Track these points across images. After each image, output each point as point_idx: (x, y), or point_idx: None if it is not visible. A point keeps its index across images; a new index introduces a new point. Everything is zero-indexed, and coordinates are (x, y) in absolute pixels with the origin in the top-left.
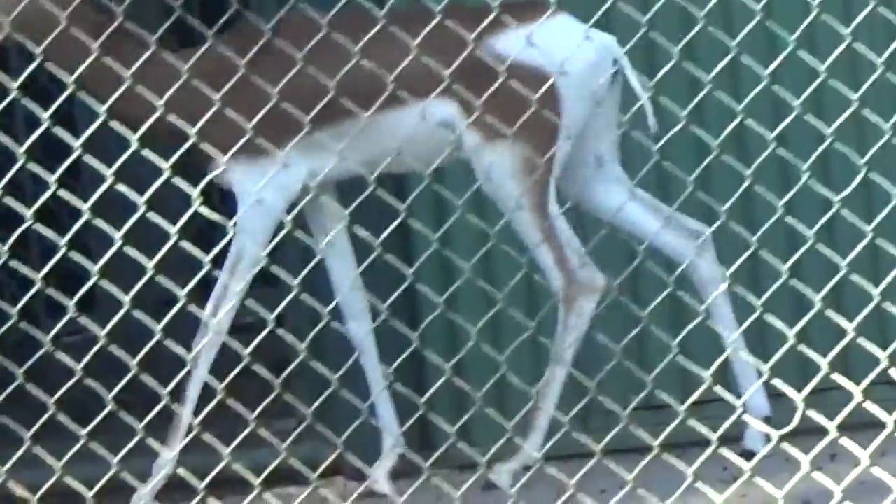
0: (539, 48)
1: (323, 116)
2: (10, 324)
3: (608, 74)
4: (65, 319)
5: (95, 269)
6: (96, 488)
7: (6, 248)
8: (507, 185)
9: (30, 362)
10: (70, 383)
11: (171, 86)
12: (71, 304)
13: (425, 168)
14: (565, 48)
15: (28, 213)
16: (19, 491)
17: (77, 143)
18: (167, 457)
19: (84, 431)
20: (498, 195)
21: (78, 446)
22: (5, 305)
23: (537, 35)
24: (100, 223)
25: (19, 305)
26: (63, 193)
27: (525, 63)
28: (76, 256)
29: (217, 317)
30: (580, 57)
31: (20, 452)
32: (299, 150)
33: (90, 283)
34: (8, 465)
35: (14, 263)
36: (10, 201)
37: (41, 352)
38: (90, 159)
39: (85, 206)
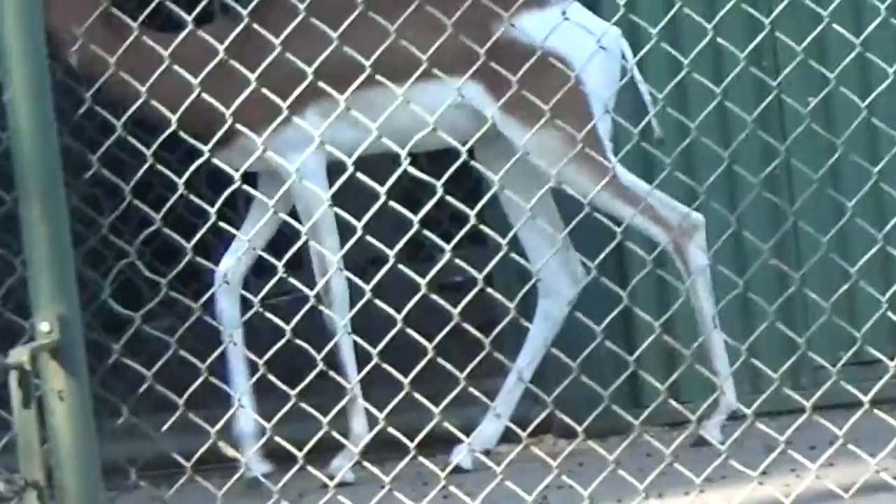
0: (560, 31)
1: (339, 87)
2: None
3: (618, 64)
4: (274, 280)
5: (304, 229)
6: (306, 449)
7: (215, 209)
8: (568, 170)
9: (241, 321)
10: (280, 344)
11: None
12: (280, 264)
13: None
14: (582, 33)
15: (236, 175)
16: (231, 452)
17: (285, 105)
18: (358, 431)
19: (294, 392)
20: (565, 180)
21: (287, 407)
22: (213, 267)
23: (555, 19)
24: (307, 184)
25: None
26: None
27: (546, 46)
28: (284, 217)
29: (333, 289)
30: (604, 42)
31: (230, 413)
32: (321, 116)
33: (299, 243)
34: (218, 427)
35: (223, 224)
36: (218, 163)
37: (251, 312)
38: (297, 121)
39: (291, 168)
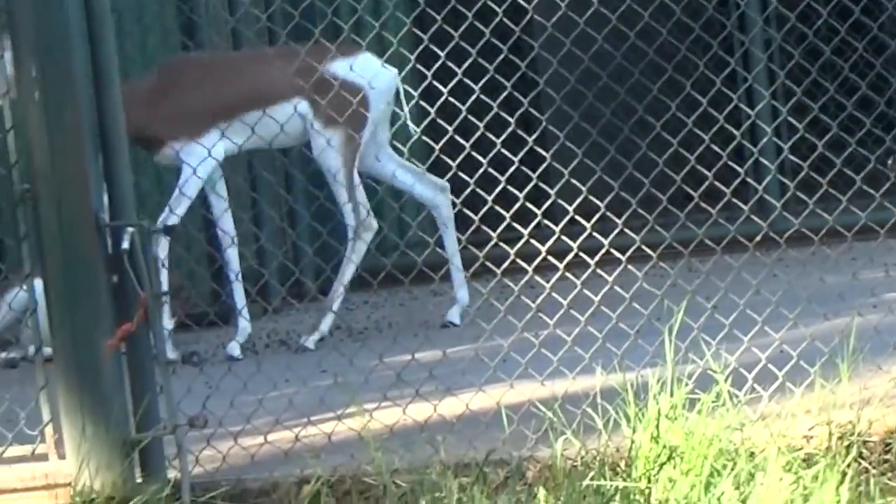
0: (357, 72)
1: (233, 111)
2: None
3: (393, 92)
4: None
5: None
6: None
7: None
8: (333, 157)
9: None
10: None
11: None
12: None
13: (293, 144)
14: (372, 72)
15: None
16: None
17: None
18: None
19: None
20: (326, 164)
21: None
22: None
23: (356, 64)
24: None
25: None
26: None
27: (349, 80)
28: None
29: (173, 217)
30: (382, 79)
31: None
32: (219, 131)
33: None
34: None
35: None
36: None
37: None
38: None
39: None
